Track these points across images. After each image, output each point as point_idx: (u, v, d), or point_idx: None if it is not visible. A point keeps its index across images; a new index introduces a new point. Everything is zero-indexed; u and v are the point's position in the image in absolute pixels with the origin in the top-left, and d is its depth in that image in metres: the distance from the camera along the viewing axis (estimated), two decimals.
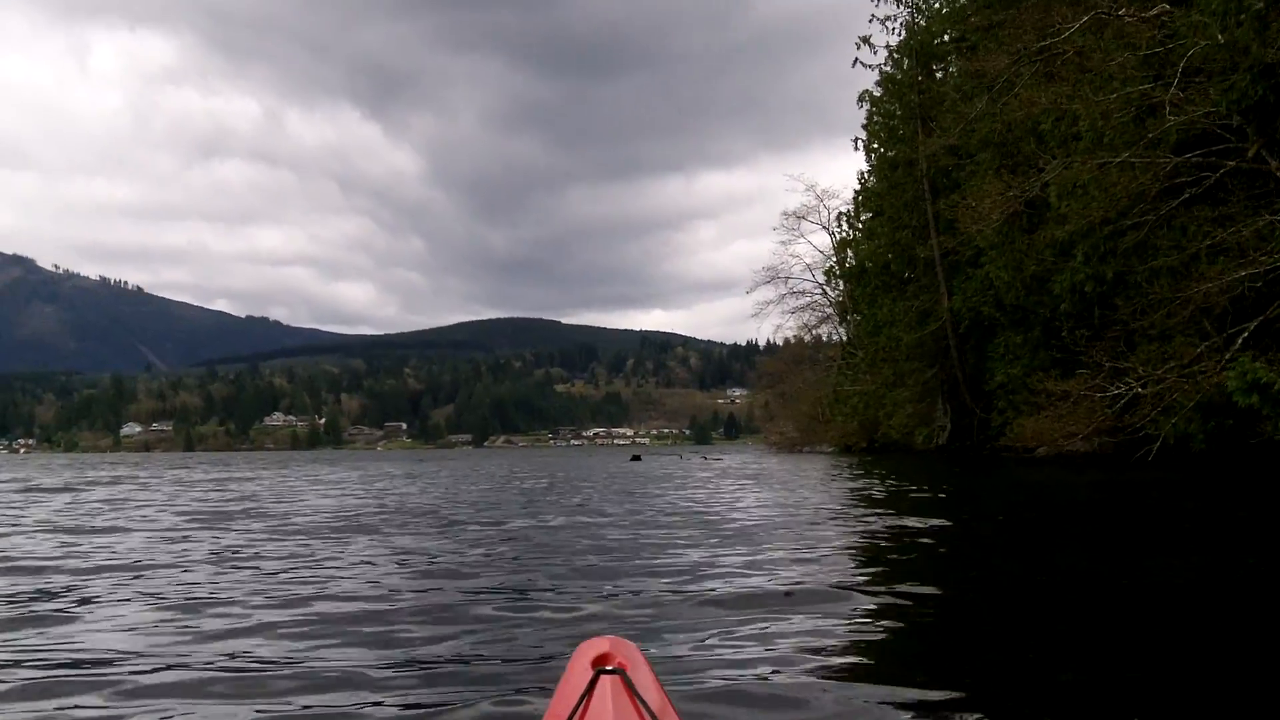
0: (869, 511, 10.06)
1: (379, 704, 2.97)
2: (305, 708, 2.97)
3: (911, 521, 8.68)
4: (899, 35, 39.48)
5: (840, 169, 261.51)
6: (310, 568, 6.14)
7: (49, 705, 3.00)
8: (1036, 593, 5.02)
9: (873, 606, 4.47)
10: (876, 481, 16.19)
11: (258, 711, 2.95)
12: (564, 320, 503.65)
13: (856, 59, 41.09)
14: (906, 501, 11.59)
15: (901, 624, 4.14)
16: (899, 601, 4.60)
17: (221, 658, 3.62)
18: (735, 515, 9.86)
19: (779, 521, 9.03)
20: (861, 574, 5.70)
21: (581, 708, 1.83)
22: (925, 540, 7.35)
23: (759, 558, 6.32)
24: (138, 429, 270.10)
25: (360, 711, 2.91)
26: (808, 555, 6.50)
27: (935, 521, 8.61)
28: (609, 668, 1.97)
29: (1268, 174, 17.38)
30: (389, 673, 3.35)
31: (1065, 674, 3.27)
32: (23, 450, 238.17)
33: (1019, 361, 30.61)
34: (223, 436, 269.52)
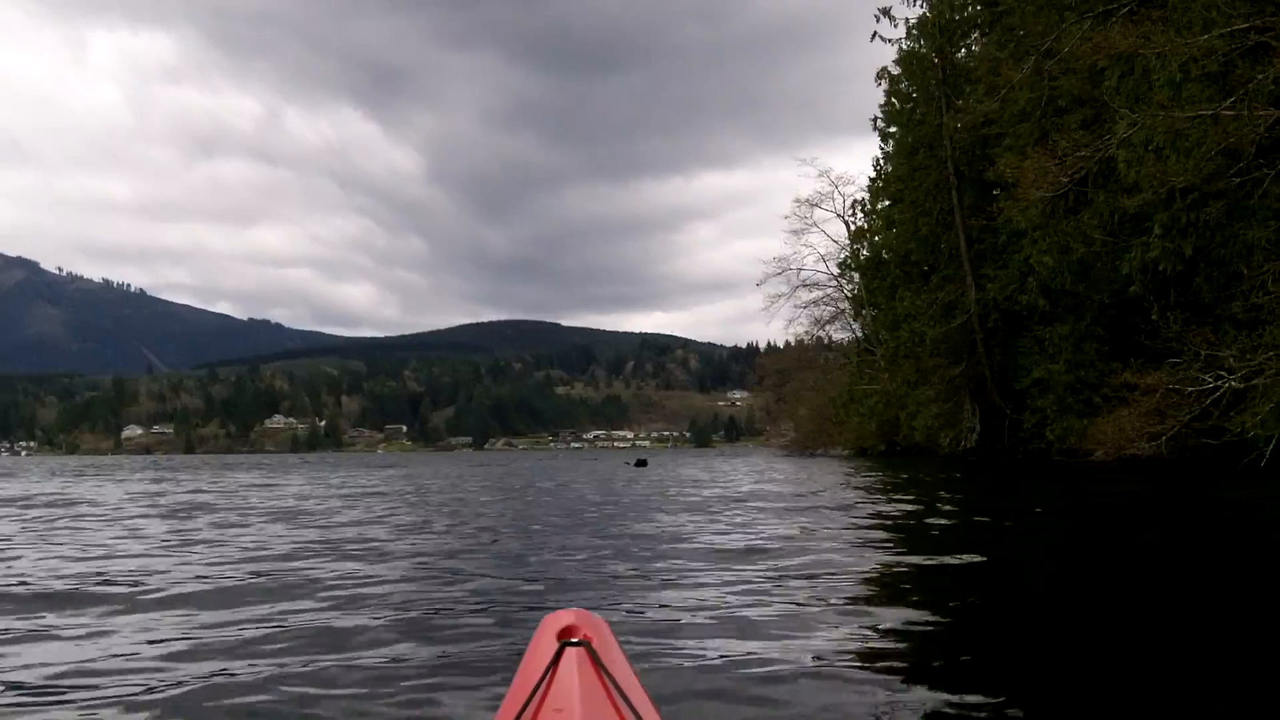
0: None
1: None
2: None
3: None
4: (920, 7, 36.74)
5: (841, 166, 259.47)
6: None
7: None
8: None
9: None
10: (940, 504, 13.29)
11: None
12: (563, 322, 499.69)
13: (875, 33, 38.40)
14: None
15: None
16: None
17: None
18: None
19: None
20: None
21: (546, 680, 1.79)
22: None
23: None
24: (139, 431, 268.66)
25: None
26: None
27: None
28: (574, 640, 1.91)
29: None
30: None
31: None
32: (24, 452, 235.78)
33: (1060, 356, 27.87)
34: (223, 438, 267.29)
